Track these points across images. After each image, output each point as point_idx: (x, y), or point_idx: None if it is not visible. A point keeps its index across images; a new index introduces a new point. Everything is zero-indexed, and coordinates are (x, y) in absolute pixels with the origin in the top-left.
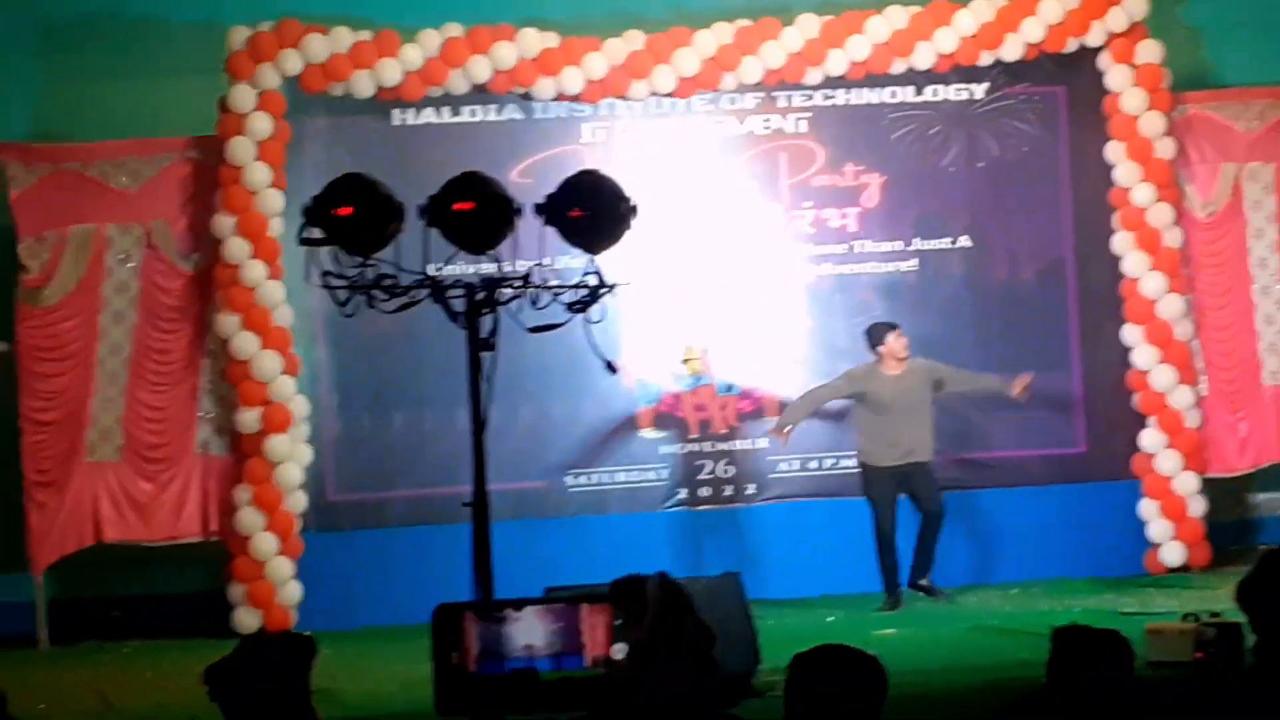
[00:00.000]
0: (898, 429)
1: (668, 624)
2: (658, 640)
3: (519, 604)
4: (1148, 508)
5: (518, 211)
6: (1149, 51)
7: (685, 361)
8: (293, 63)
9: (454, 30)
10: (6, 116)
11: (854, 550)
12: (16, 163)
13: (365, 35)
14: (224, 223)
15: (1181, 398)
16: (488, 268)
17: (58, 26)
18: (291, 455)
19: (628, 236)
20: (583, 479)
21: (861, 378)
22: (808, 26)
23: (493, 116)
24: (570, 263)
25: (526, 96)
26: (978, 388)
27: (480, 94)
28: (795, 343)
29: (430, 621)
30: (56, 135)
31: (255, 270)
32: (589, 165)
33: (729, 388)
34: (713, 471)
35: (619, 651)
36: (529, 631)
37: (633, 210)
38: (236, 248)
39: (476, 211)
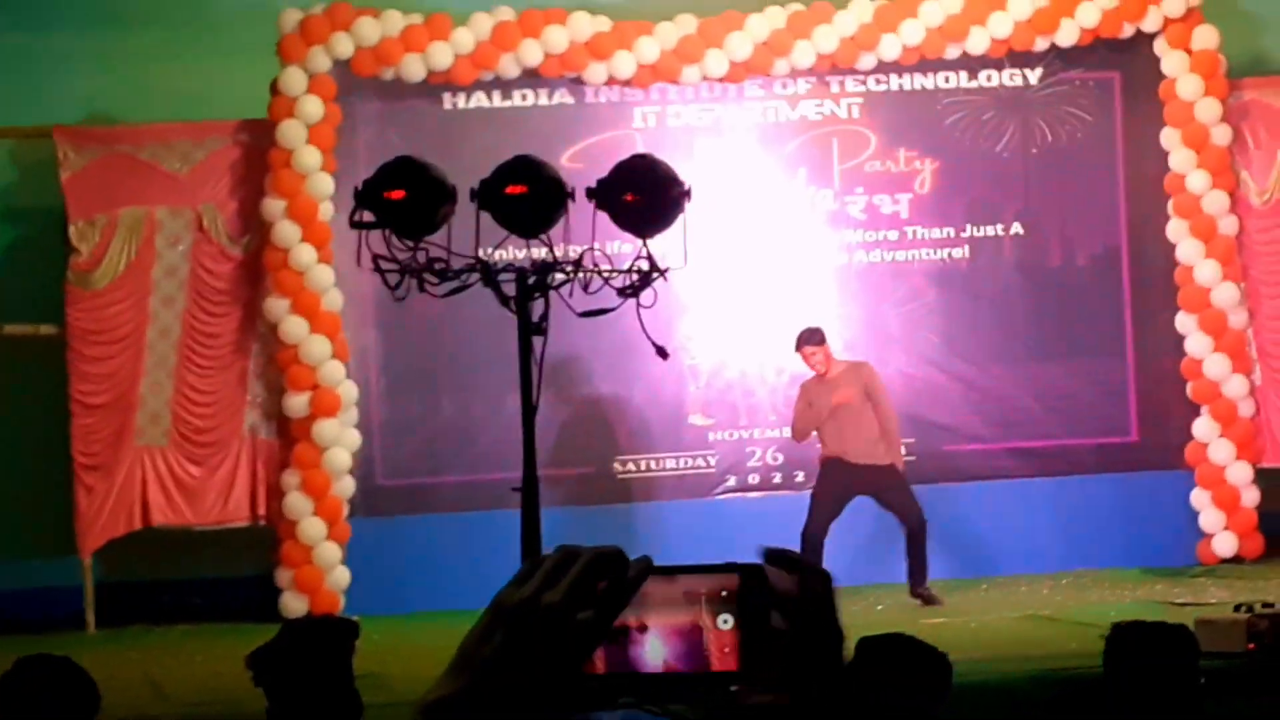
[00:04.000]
0: (842, 433)
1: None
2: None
3: (642, 626)
4: (1200, 497)
5: (570, 195)
6: (1205, 37)
7: None
8: (344, 46)
9: (505, 14)
10: (59, 99)
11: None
12: (68, 145)
13: (416, 19)
14: (274, 206)
15: (1235, 387)
16: (539, 252)
17: (110, 9)
18: (340, 440)
19: (679, 221)
20: (631, 465)
21: (809, 388)
22: (861, 11)
23: (544, 101)
24: (621, 247)
25: (578, 81)
26: (881, 424)
27: (531, 78)
28: (846, 329)
29: None
30: (108, 118)
31: (305, 254)
32: (640, 150)
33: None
34: (762, 458)
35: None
36: (654, 654)
37: (685, 195)
38: (286, 231)
39: (528, 195)
